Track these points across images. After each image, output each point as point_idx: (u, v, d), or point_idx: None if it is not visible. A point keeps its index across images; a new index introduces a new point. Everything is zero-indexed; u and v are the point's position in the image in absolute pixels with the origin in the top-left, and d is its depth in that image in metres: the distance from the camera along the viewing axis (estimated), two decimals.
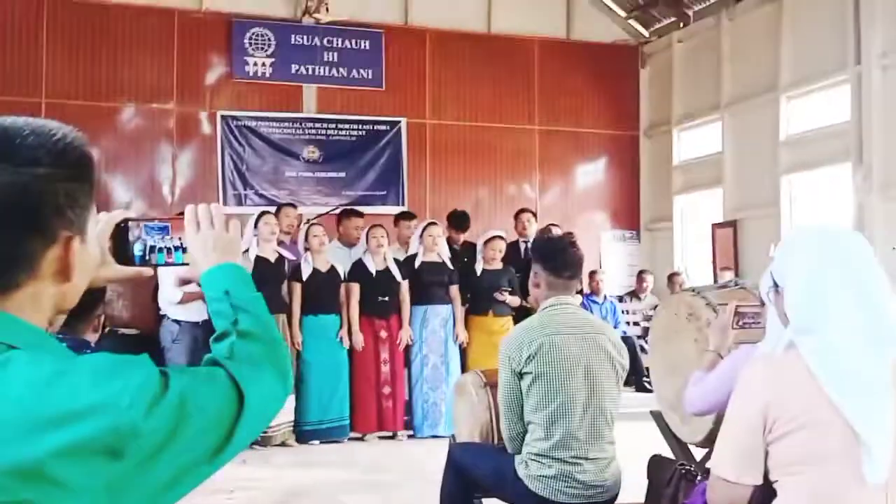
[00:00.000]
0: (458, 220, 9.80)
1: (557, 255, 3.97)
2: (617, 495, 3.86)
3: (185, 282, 1.77)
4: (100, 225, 1.71)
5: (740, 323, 3.58)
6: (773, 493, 2.30)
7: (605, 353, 3.85)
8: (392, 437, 8.48)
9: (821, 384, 2.20)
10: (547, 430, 3.73)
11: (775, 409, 2.23)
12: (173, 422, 1.25)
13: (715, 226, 11.73)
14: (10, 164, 1.26)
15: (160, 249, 1.79)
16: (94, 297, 3.51)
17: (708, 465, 2.41)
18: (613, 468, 3.84)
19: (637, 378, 10.75)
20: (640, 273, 12.33)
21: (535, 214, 10.00)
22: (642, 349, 10.67)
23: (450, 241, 9.35)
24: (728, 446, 2.34)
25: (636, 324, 11.66)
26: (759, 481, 2.30)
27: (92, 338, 3.50)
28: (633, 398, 9.16)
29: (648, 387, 10.40)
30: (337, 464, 7.39)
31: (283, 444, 8.02)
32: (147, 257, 1.78)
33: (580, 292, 10.30)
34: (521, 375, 3.77)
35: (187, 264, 1.77)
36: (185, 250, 1.76)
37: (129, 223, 1.76)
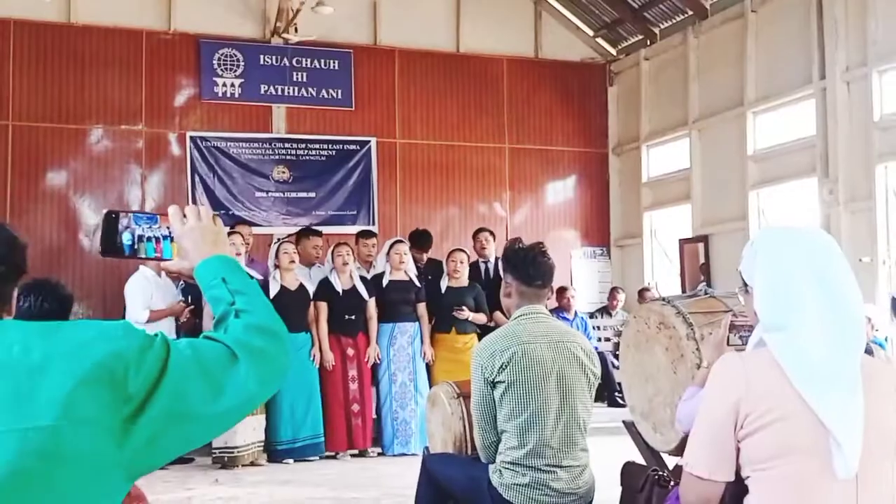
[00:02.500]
0: (419, 239, 9.79)
1: (528, 264, 3.97)
2: (591, 503, 3.86)
3: (172, 272, 1.84)
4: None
5: (737, 336, 3.59)
6: (746, 490, 2.31)
7: (577, 360, 3.85)
8: (361, 455, 8.43)
9: (790, 380, 2.22)
10: (520, 438, 3.73)
11: (746, 406, 2.24)
12: (161, 363, 1.40)
13: (683, 241, 11.80)
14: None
15: (149, 239, 1.80)
16: (65, 297, 3.49)
17: (680, 462, 2.41)
18: (587, 476, 3.84)
19: (609, 393, 10.77)
20: (613, 290, 12.37)
21: (492, 233, 9.96)
22: (614, 365, 10.69)
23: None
24: (700, 443, 2.35)
25: (607, 339, 11.69)
26: (731, 477, 2.31)
27: None
28: (605, 413, 9.18)
29: (621, 401, 10.43)
30: (309, 482, 7.34)
31: (252, 464, 7.96)
32: (136, 246, 1.79)
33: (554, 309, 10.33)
34: (493, 384, 3.77)
35: (169, 259, 1.81)
36: (173, 240, 1.80)
37: (119, 213, 1.78)
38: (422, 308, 8.72)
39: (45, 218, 10.82)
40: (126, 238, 1.78)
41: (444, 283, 8.80)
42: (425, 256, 9.70)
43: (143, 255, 1.81)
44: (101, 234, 1.79)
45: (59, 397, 1.31)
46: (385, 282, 8.67)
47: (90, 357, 1.34)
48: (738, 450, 2.28)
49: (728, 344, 3.41)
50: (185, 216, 1.79)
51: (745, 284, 2.50)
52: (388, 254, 8.77)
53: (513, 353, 3.74)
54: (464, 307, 8.58)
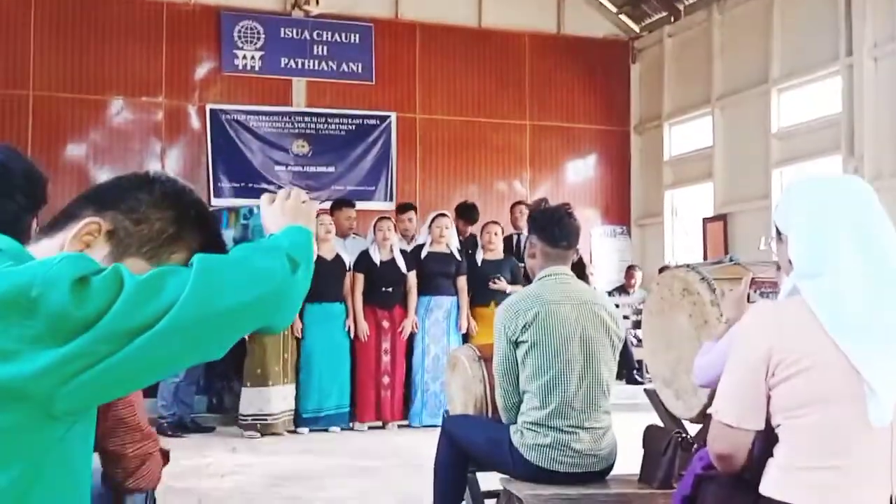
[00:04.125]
0: (467, 212, 9.74)
1: (554, 226, 3.92)
2: (613, 465, 3.82)
3: None
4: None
5: (758, 293, 3.53)
6: (776, 438, 2.25)
7: (601, 321, 3.80)
8: (382, 427, 8.41)
9: (824, 327, 2.16)
10: (543, 398, 3.69)
11: (778, 353, 2.19)
12: (107, 294, 1.29)
13: (706, 220, 11.71)
14: None
15: (244, 226, 1.83)
16: None
17: (709, 410, 2.36)
18: (609, 437, 3.80)
19: (628, 371, 10.72)
20: (629, 269, 12.30)
21: (528, 206, 9.91)
22: (632, 342, 10.64)
23: (457, 233, 9.37)
24: (730, 391, 2.30)
25: (625, 317, 11.61)
26: (761, 426, 2.26)
27: None
28: (623, 390, 9.13)
29: (639, 379, 10.38)
30: (328, 451, 7.34)
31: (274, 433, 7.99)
32: (250, 236, 1.81)
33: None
34: (516, 344, 3.73)
35: None
36: None
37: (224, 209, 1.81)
38: (462, 281, 8.68)
39: (65, 189, 10.79)
40: (225, 227, 1.81)
41: (479, 256, 8.77)
42: (469, 230, 9.64)
43: (236, 241, 1.82)
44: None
45: None
46: (424, 253, 8.64)
47: (3, 284, 1.27)
48: (769, 398, 2.23)
49: (748, 301, 3.35)
50: (274, 201, 1.79)
51: (779, 233, 2.45)
52: (429, 226, 8.74)
53: (536, 313, 3.70)
54: (500, 277, 8.55)
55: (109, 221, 1.51)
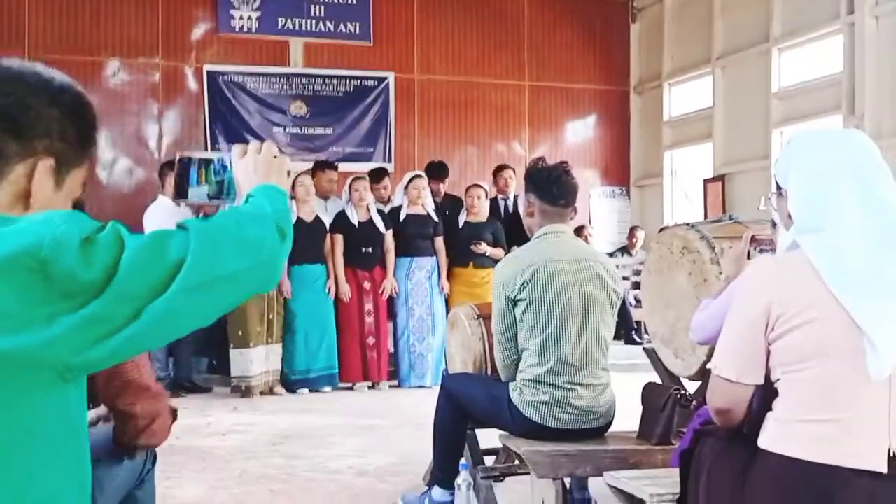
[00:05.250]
0: (435, 170, 9.60)
1: (551, 184, 3.92)
2: (611, 421, 3.84)
3: None
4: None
5: (758, 249, 3.52)
6: (775, 393, 2.26)
7: (599, 278, 3.81)
8: (373, 387, 8.45)
9: (824, 281, 2.16)
10: (541, 355, 3.70)
11: (778, 307, 2.19)
12: (112, 256, 1.29)
13: (707, 181, 11.68)
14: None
15: (219, 182, 1.82)
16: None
17: (709, 365, 2.37)
18: (608, 394, 3.81)
19: (626, 331, 10.75)
20: (632, 229, 12.31)
21: (515, 171, 9.83)
22: (632, 303, 10.67)
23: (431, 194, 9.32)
24: (729, 346, 2.30)
25: (626, 278, 11.62)
26: (761, 381, 2.26)
27: None
28: (622, 350, 9.16)
29: (638, 340, 10.42)
30: (327, 410, 7.38)
31: (271, 392, 8.02)
32: (225, 192, 1.81)
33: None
34: (515, 302, 3.73)
35: (228, 196, 1.82)
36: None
37: (190, 159, 1.80)
38: (439, 242, 8.68)
39: None
40: (195, 183, 1.79)
41: (462, 218, 8.76)
42: (442, 188, 9.56)
43: (211, 198, 1.81)
44: (174, 179, 1.80)
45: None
46: (402, 215, 8.61)
47: (10, 245, 1.25)
48: (769, 353, 2.23)
49: (748, 258, 3.35)
50: (246, 153, 1.78)
51: (779, 188, 2.44)
52: (406, 188, 8.70)
53: (535, 271, 3.70)
54: (482, 241, 8.55)
55: (47, 152, 1.47)
